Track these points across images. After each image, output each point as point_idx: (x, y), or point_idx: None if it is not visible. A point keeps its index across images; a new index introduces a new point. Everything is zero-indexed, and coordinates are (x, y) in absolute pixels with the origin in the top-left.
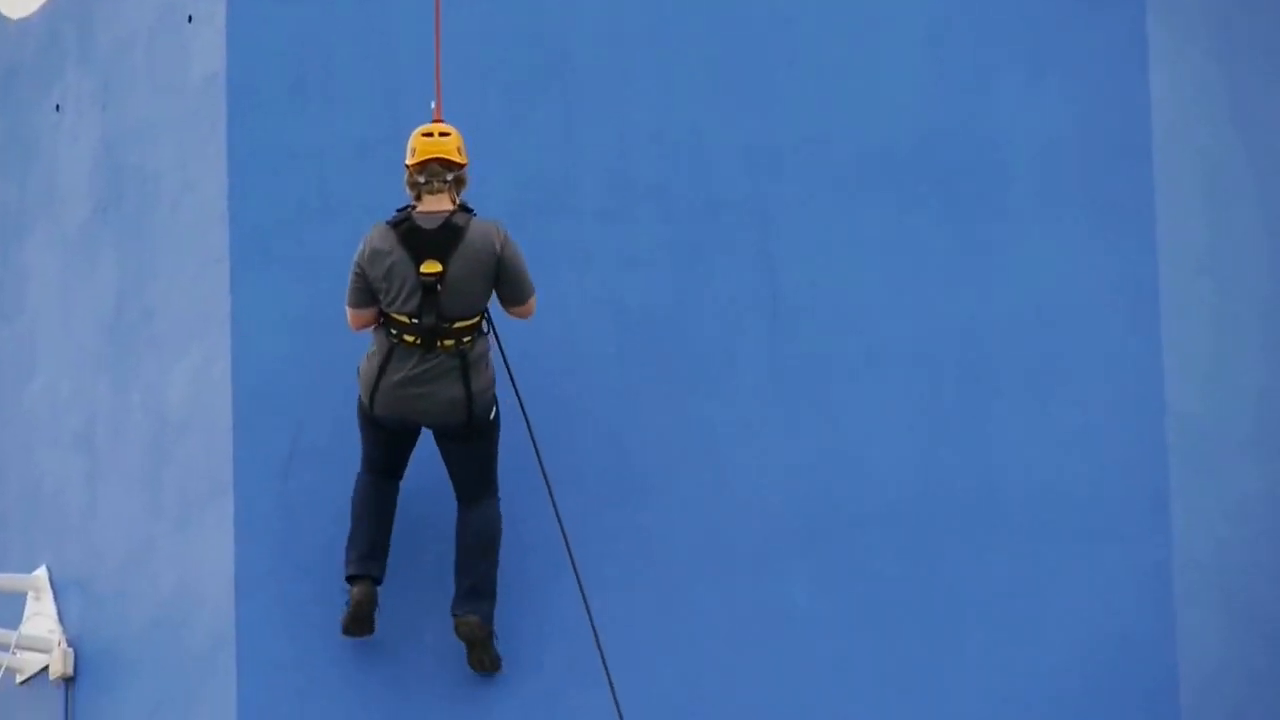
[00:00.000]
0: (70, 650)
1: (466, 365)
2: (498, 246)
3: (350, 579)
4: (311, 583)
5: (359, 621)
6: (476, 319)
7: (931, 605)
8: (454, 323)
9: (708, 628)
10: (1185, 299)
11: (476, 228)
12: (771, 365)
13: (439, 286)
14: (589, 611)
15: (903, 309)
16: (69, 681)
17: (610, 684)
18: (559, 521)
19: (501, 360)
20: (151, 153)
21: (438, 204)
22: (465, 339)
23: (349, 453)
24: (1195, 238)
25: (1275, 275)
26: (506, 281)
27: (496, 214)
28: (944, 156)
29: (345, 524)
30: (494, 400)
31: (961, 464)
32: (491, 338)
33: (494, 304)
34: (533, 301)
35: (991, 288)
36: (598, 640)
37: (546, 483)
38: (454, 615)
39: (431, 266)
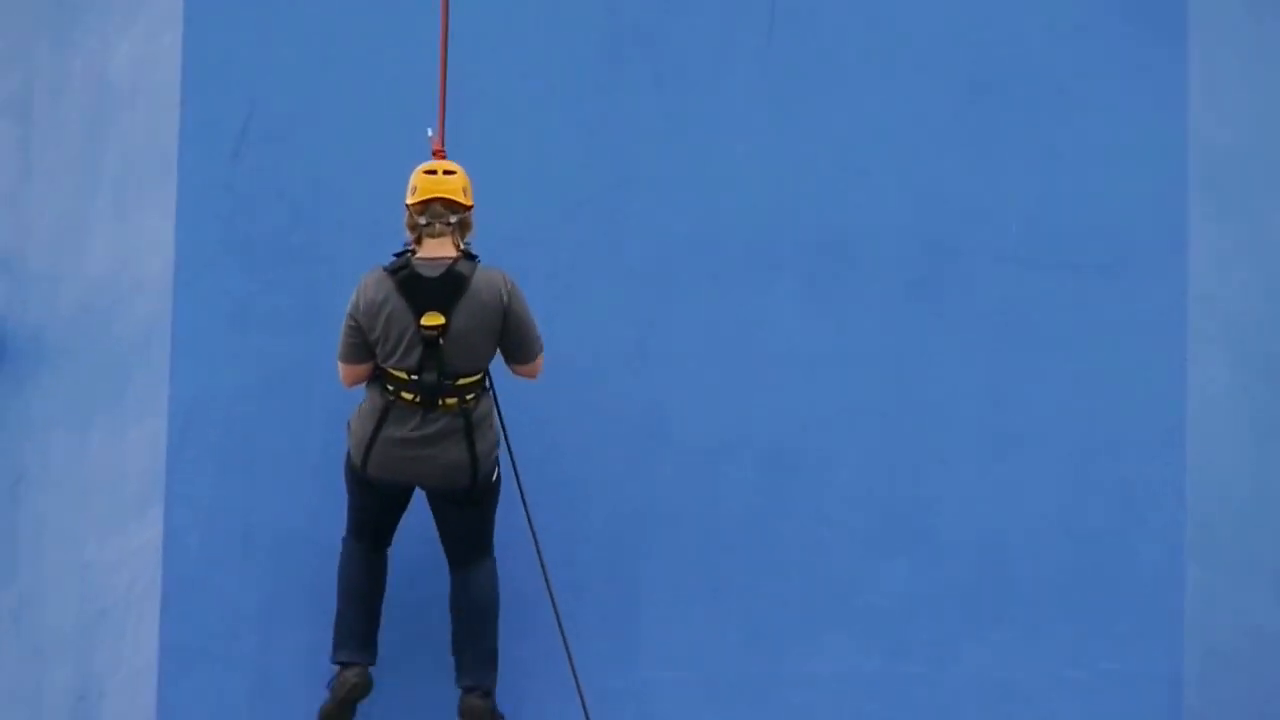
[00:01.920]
0: None
1: (471, 426)
2: (505, 298)
3: (342, 664)
4: (257, 274)
5: (344, 708)
6: (480, 375)
7: (927, 325)
8: (457, 379)
9: (690, 337)
10: None
11: (482, 276)
12: (765, 68)
13: (441, 340)
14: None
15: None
16: None
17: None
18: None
19: (499, 422)
20: None
21: (440, 249)
22: (469, 397)
23: (304, 136)
24: None
25: None
26: (512, 337)
27: None
28: None
29: (297, 213)
30: (497, 461)
31: (965, 181)
32: (493, 393)
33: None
34: (540, 360)
35: None
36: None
37: (535, 544)
38: (461, 687)
39: (433, 319)
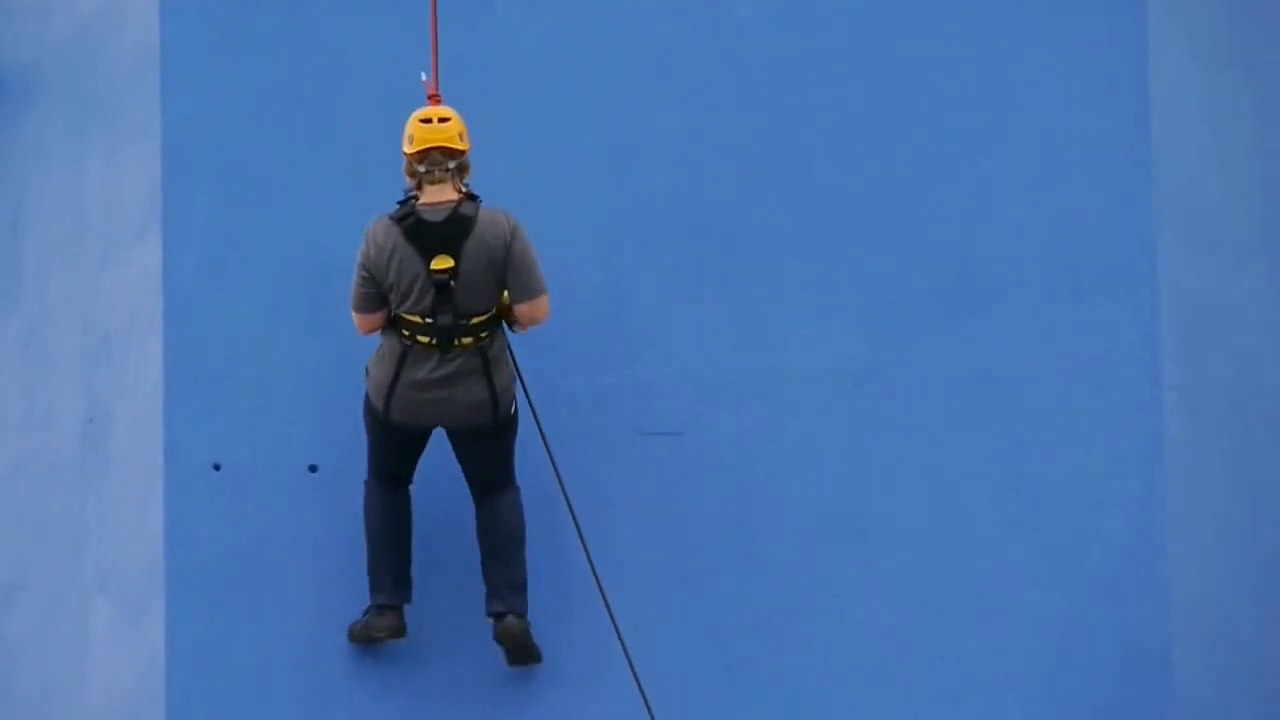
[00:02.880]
0: None
1: (488, 364)
2: (508, 236)
3: (379, 607)
4: None
5: (376, 641)
6: (493, 313)
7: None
8: (471, 319)
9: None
10: None
11: (486, 217)
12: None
13: (452, 282)
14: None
15: None
16: None
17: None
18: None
19: (511, 357)
20: None
21: (441, 194)
22: (483, 335)
23: None
24: None
25: None
26: (514, 274)
27: None
28: None
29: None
30: (514, 395)
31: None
32: (504, 331)
33: None
34: (544, 300)
35: None
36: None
37: (559, 480)
38: (492, 615)
39: (443, 262)
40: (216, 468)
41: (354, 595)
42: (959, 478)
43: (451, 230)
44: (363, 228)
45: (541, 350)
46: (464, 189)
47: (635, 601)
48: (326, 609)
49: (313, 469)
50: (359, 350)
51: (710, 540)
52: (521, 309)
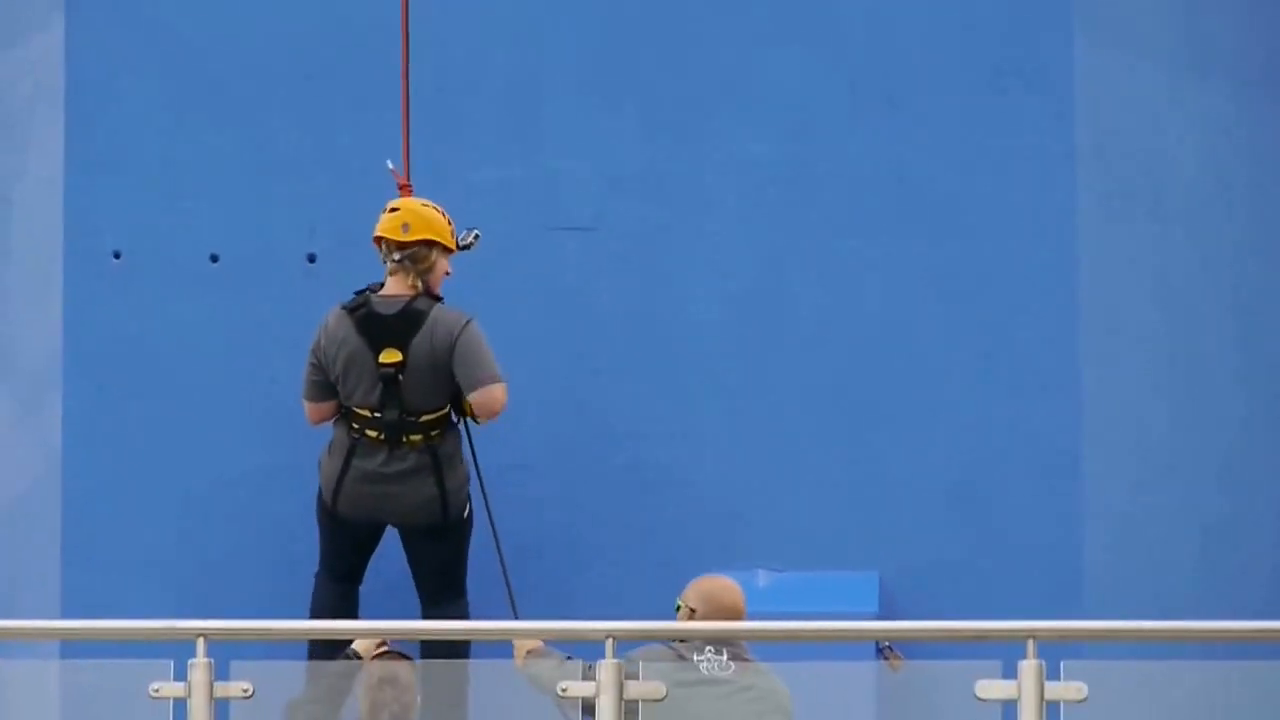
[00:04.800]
0: None
1: (439, 462)
2: (457, 331)
3: None
4: None
5: None
6: (445, 410)
7: None
8: (420, 416)
9: None
10: None
11: (439, 315)
12: None
13: (400, 376)
14: None
15: None
16: None
17: None
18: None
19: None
20: None
21: (398, 286)
22: (434, 433)
23: None
24: None
25: None
26: (462, 365)
27: None
28: None
29: None
30: (468, 498)
31: None
32: (461, 429)
33: None
34: (498, 389)
35: None
36: None
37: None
38: None
39: (390, 355)
40: (116, 256)
41: (253, 386)
42: (874, 278)
43: (401, 324)
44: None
45: (448, 141)
46: (419, 286)
47: (542, 396)
48: (226, 400)
49: (214, 258)
50: (265, 138)
51: (620, 338)
52: (474, 399)
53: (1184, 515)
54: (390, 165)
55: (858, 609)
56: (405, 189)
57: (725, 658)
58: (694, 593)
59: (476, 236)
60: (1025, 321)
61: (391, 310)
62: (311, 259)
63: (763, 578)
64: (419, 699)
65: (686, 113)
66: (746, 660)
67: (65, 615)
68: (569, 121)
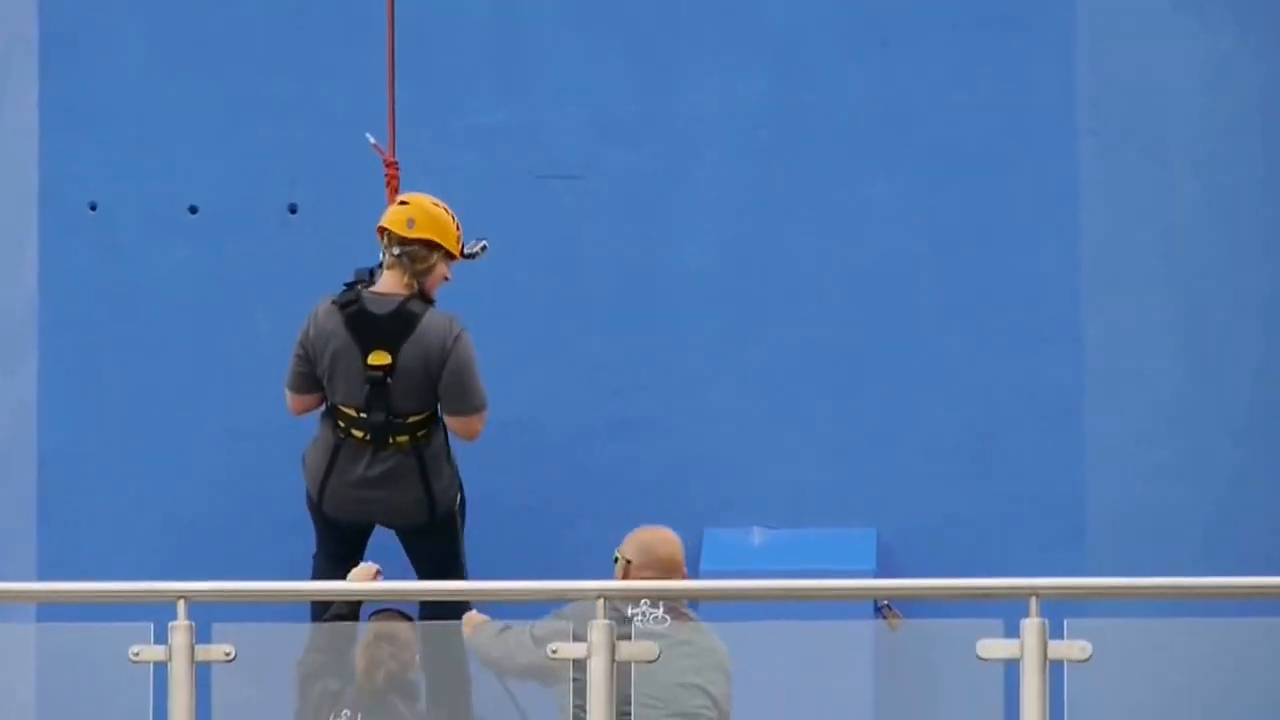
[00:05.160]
0: None
1: (424, 464)
2: (449, 342)
3: None
4: None
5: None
6: (432, 412)
7: None
8: (407, 418)
9: None
10: None
11: (430, 319)
12: None
13: (388, 379)
14: None
15: None
16: None
17: None
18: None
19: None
20: None
21: (393, 284)
22: (421, 434)
23: None
24: None
25: None
26: (449, 386)
27: None
28: None
29: None
30: (458, 488)
31: None
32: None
33: None
34: (477, 421)
35: None
36: None
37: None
38: None
39: (380, 358)
40: (93, 208)
41: (233, 338)
42: (869, 224)
43: (393, 326)
44: None
45: (434, 88)
46: (414, 286)
47: (528, 348)
48: (206, 354)
49: (192, 210)
50: (244, 86)
51: (610, 287)
52: (452, 423)
53: (1191, 469)
54: (371, 139)
55: (855, 567)
56: (391, 165)
57: (661, 611)
58: (631, 545)
59: (484, 248)
60: (1025, 268)
61: (384, 310)
62: (292, 209)
63: (758, 535)
64: (418, 658)
65: (675, 57)
66: (685, 616)
67: (41, 577)
68: (556, 67)
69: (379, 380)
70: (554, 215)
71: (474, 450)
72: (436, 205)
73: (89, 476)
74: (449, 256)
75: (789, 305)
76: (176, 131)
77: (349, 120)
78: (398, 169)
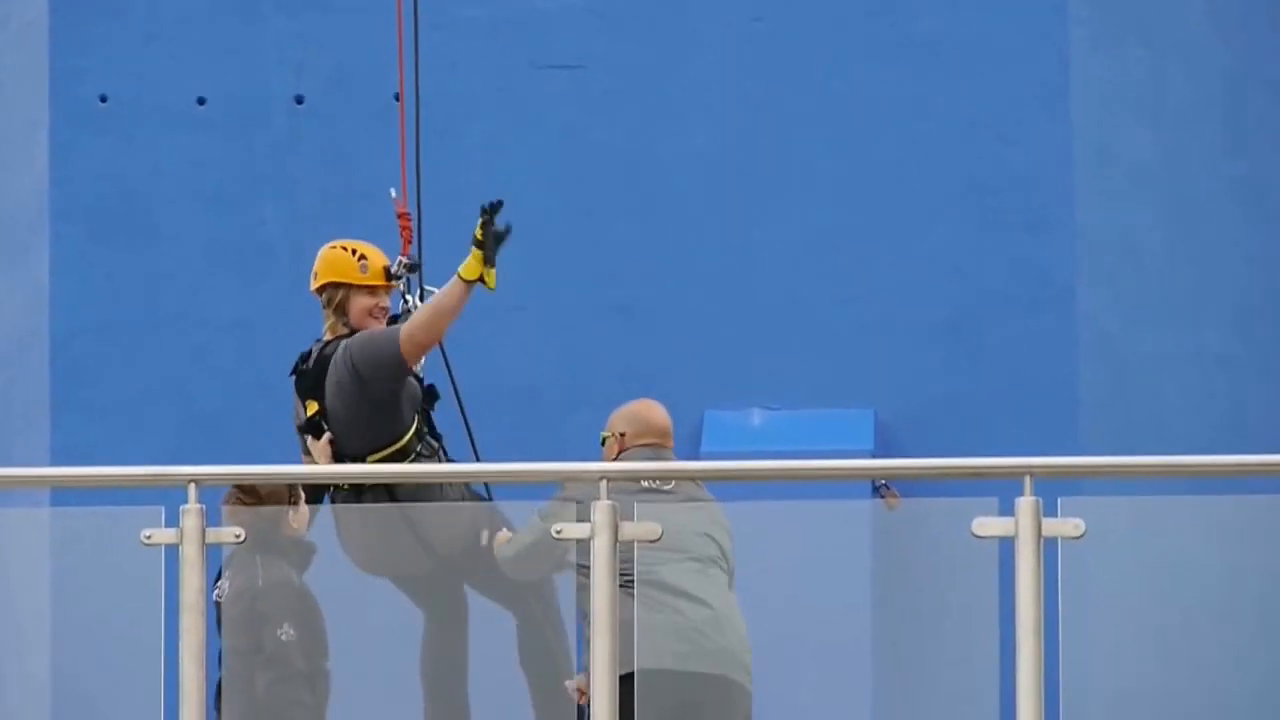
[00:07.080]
0: None
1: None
2: (342, 353)
3: None
4: None
5: None
6: (400, 443)
7: None
8: (366, 458)
9: None
10: None
11: (336, 347)
12: None
13: (324, 425)
14: None
15: None
16: None
17: None
18: None
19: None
20: None
21: (329, 334)
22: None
23: None
24: None
25: None
26: (361, 362)
27: None
28: None
29: None
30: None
31: None
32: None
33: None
34: (408, 342)
35: None
36: None
37: None
38: None
39: (310, 408)
40: (103, 100)
41: (242, 230)
42: (861, 110)
43: (315, 373)
44: None
45: None
46: (343, 329)
47: (533, 236)
48: (214, 244)
49: (201, 101)
50: None
51: (610, 176)
52: (408, 352)
53: (1182, 348)
54: (393, 193)
55: (853, 447)
56: (404, 218)
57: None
58: (621, 418)
59: (408, 267)
60: (1017, 154)
61: (310, 362)
62: (299, 100)
63: (757, 416)
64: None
65: None
66: (691, 480)
67: (54, 462)
68: None
69: (320, 428)
70: (554, 105)
71: (476, 335)
72: (333, 247)
73: (100, 364)
74: (366, 288)
75: (787, 192)
76: (184, 24)
77: (355, 9)
78: (410, 220)
